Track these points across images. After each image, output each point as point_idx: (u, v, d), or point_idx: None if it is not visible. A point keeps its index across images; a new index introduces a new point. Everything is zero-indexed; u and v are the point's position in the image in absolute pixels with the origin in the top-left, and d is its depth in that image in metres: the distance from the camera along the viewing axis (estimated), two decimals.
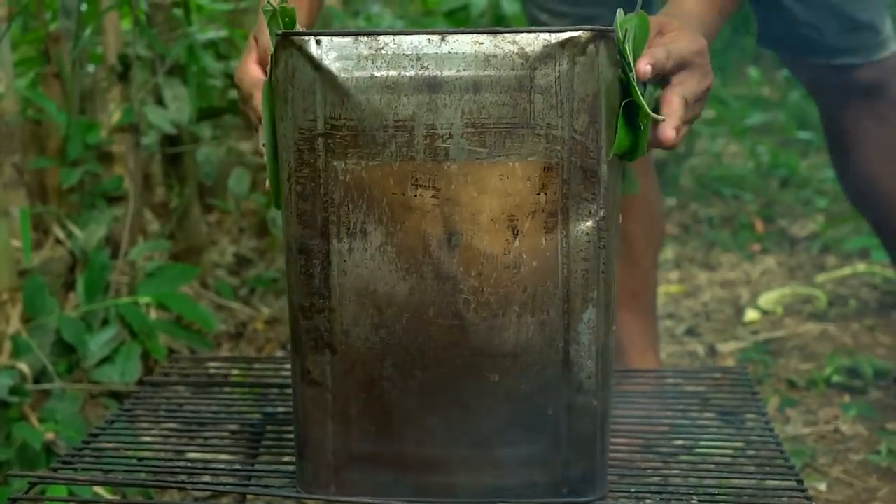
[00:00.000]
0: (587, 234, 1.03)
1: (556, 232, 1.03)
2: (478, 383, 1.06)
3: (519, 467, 1.08)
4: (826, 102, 1.84)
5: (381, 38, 1.02)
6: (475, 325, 1.05)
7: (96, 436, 1.29)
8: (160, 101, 2.26)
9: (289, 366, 1.55)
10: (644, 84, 1.05)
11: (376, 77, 1.02)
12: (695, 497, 1.13)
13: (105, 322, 1.95)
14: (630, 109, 1.04)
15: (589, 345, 1.05)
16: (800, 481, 1.16)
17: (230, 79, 2.51)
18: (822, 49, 1.72)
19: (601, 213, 1.03)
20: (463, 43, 1.01)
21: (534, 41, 1.01)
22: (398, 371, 1.07)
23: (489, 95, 1.01)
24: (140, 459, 1.25)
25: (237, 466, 1.23)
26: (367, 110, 1.02)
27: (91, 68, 2.25)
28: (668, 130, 1.06)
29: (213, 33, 2.53)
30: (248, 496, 1.28)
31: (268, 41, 1.09)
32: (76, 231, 2.05)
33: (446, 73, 1.01)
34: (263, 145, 1.10)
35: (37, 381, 1.81)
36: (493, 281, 1.04)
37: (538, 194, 1.03)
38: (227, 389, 1.45)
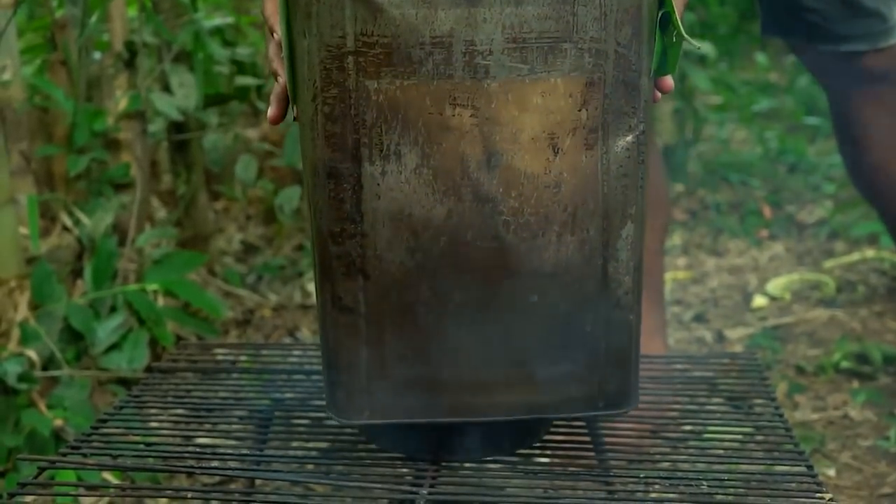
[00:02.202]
0: (627, 149, 1.01)
1: (596, 148, 1.01)
2: (516, 304, 1.04)
3: (556, 384, 1.07)
4: (834, 91, 1.83)
5: None
6: (515, 246, 1.02)
7: (105, 421, 1.29)
8: (167, 88, 2.25)
9: (297, 352, 1.55)
10: None
11: None
12: (704, 482, 1.13)
13: (113, 309, 1.95)
14: (662, 23, 1.02)
15: (627, 261, 1.04)
16: (810, 466, 1.16)
17: (236, 65, 2.51)
18: (829, 36, 1.71)
19: (641, 127, 1.01)
20: None
21: None
22: (435, 295, 1.04)
23: (531, 8, 0.97)
24: (148, 445, 1.25)
25: (246, 452, 1.23)
26: (402, 26, 0.97)
27: (97, 55, 2.25)
28: (670, 79, 1.06)
29: (219, 20, 2.52)
30: (257, 481, 1.28)
31: None
32: (83, 218, 2.05)
33: None
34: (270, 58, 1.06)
35: (45, 368, 1.81)
36: (534, 201, 1.01)
37: (580, 111, 1.00)
38: (234, 376, 1.45)
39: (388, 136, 1.00)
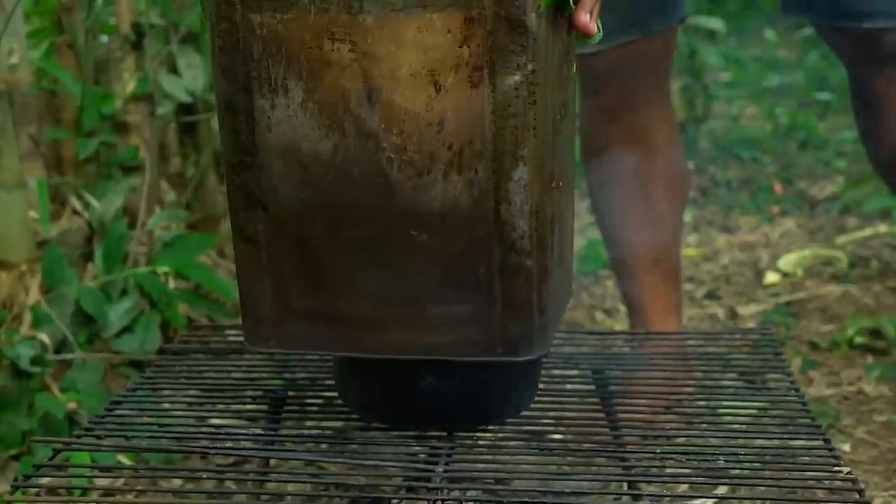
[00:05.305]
0: (515, 88, 1.00)
1: (482, 87, 1.00)
2: (406, 242, 1.05)
3: (451, 325, 1.07)
4: (855, 69, 1.80)
5: None
6: (400, 183, 1.03)
7: (118, 404, 1.29)
8: (174, 70, 2.24)
9: None
10: None
11: None
12: (721, 458, 1.12)
13: (124, 292, 1.95)
14: None
15: (521, 204, 1.03)
16: (827, 440, 1.15)
17: None
18: (851, 13, 1.68)
19: (530, 66, 0.99)
20: None
21: None
22: (327, 229, 1.06)
23: None
24: (162, 426, 1.25)
25: (259, 432, 1.23)
26: None
27: (104, 38, 2.24)
28: (582, 15, 1.04)
29: None
30: (272, 461, 1.28)
31: None
32: (93, 202, 2.04)
33: None
34: None
35: (57, 351, 1.81)
36: (416, 139, 1.02)
37: (460, 47, 0.99)
38: (246, 357, 1.45)
39: (275, 70, 1.02)
